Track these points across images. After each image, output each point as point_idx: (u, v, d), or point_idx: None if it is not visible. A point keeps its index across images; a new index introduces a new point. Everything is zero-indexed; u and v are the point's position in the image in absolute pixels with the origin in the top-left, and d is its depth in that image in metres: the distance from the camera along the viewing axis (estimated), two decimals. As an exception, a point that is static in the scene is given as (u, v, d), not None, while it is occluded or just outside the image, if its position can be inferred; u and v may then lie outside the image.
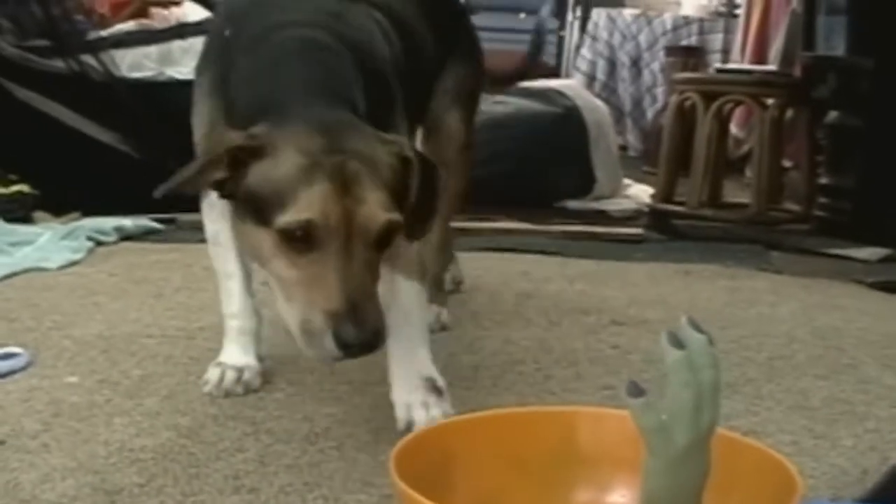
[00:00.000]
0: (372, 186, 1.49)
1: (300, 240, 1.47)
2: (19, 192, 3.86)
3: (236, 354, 1.99)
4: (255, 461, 1.65)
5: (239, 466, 1.62)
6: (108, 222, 3.57)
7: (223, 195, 1.58)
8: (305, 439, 1.74)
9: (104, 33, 4.34)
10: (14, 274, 2.94)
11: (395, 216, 1.51)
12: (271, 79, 1.66)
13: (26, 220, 3.73)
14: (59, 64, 4.12)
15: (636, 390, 1.06)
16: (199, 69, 1.89)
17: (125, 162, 4.00)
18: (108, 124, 4.06)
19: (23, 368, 2.07)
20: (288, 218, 1.46)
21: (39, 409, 1.86)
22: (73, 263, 3.14)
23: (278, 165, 1.49)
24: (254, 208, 1.52)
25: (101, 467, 1.61)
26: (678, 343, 1.07)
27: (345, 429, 1.79)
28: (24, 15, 4.23)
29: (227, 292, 2.02)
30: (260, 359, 2.02)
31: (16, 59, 4.05)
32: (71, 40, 4.22)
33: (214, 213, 1.94)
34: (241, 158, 1.52)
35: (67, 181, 3.91)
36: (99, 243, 3.42)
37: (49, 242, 3.33)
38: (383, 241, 1.52)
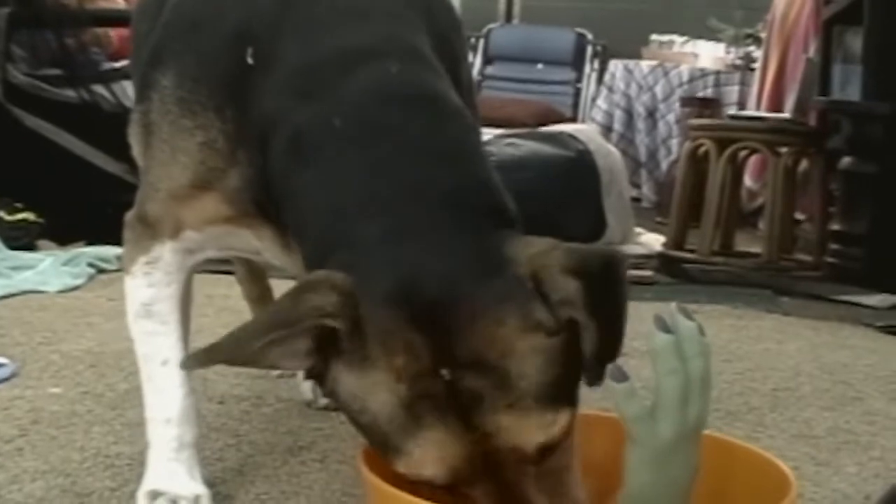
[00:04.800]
0: (504, 408, 0.99)
1: (428, 486, 1.03)
2: (24, 220, 3.83)
3: (181, 478, 1.42)
4: (233, 470, 1.60)
5: (217, 475, 1.56)
6: (111, 250, 3.52)
7: (309, 375, 1.08)
8: (288, 451, 1.69)
9: (117, 64, 4.35)
10: (12, 295, 2.90)
11: (556, 426, 1.01)
12: (355, 171, 1.13)
13: (30, 247, 3.69)
14: (70, 93, 4.14)
15: (621, 375, 1.01)
16: (181, 97, 1.30)
17: (132, 193, 3.97)
18: (116, 155, 4.03)
19: (6, 379, 2.03)
20: (403, 470, 1.02)
21: (18, 416, 1.82)
22: (73, 288, 3.10)
23: (370, 392, 1.01)
24: (351, 419, 1.06)
25: (73, 471, 1.56)
26: (667, 328, 1.01)
27: (330, 443, 1.73)
28: (38, 44, 4.24)
29: (159, 386, 1.43)
30: (209, 483, 1.46)
31: (26, 87, 4.06)
32: (84, 70, 4.23)
33: (158, 272, 1.40)
34: (326, 336, 1.02)
35: (73, 210, 3.88)
36: (101, 270, 3.38)
37: (50, 267, 3.29)
38: (547, 452, 1.03)
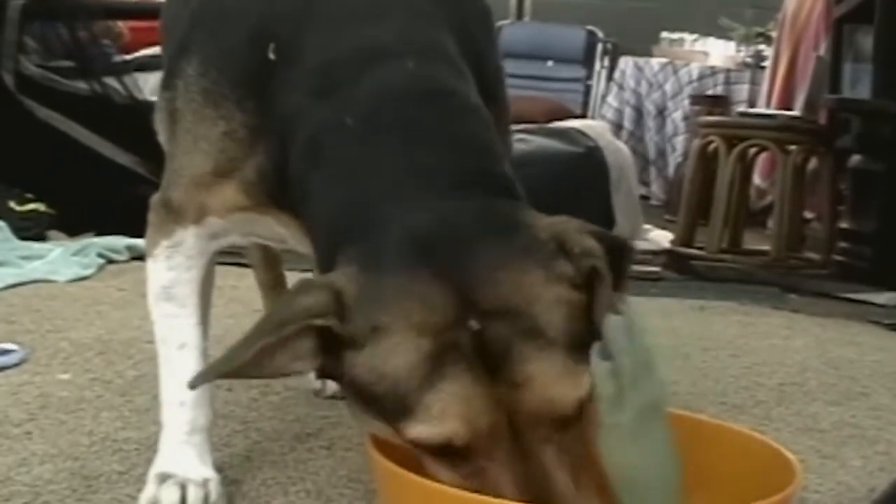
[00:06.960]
0: (536, 355, 0.97)
1: (445, 453, 1.00)
2: (35, 211, 3.85)
3: (192, 462, 1.41)
4: (240, 456, 1.61)
5: (224, 460, 1.57)
6: (121, 241, 3.53)
7: (319, 375, 1.10)
8: (295, 438, 1.70)
9: (129, 56, 4.36)
10: (22, 284, 2.91)
11: (585, 383, 0.99)
12: (365, 166, 1.13)
13: (40, 238, 3.70)
14: (81, 85, 4.14)
15: (607, 354, 1.01)
16: (206, 89, 1.31)
17: (142, 185, 3.98)
18: (127, 147, 4.05)
19: (16, 364, 2.04)
20: (418, 432, 0.98)
21: (27, 401, 1.82)
22: (83, 278, 3.11)
23: (388, 356, 0.99)
24: (365, 401, 1.04)
25: (81, 455, 1.57)
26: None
27: (337, 431, 1.74)
28: (50, 35, 4.25)
29: (175, 369, 1.43)
30: (218, 469, 1.46)
31: (38, 78, 4.06)
32: (95, 63, 4.24)
33: (179, 256, 1.41)
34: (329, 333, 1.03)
35: (83, 201, 3.89)
36: (110, 261, 3.39)
37: (60, 257, 3.31)
38: (575, 417, 1.00)
